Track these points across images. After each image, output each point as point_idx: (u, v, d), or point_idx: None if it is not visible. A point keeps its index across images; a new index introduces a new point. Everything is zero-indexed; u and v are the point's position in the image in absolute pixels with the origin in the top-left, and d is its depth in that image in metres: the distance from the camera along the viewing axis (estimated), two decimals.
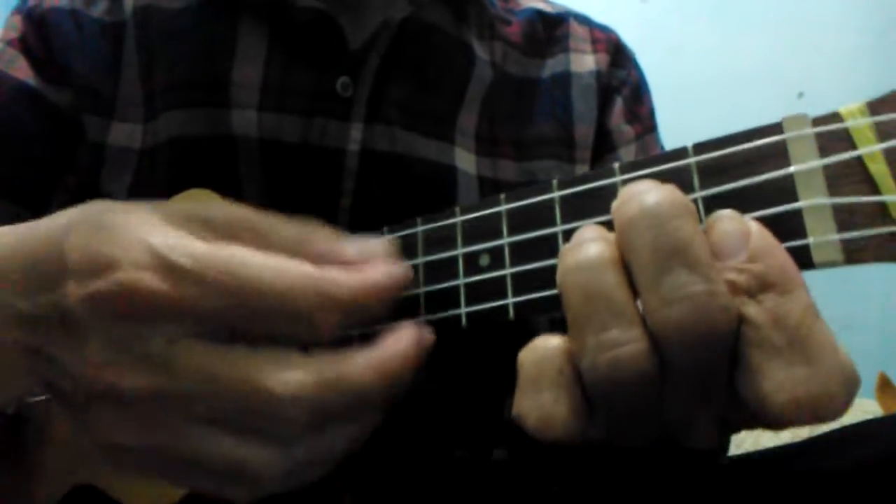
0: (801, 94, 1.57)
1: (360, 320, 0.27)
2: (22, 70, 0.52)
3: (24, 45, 0.53)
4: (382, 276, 0.28)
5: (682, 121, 1.21)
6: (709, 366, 0.23)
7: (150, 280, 0.24)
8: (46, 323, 0.26)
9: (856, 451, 0.33)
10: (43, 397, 0.47)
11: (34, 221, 0.30)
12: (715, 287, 0.22)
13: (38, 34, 0.53)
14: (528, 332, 0.55)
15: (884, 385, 1.18)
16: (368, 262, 0.28)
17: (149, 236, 0.25)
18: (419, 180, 0.51)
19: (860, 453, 0.33)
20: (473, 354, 0.51)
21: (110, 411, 0.25)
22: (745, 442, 0.95)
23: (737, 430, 0.26)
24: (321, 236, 0.29)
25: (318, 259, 0.28)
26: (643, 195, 0.23)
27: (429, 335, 0.28)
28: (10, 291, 0.28)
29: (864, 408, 1.11)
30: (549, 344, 0.26)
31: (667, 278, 0.22)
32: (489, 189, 0.54)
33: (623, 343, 0.23)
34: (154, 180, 0.50)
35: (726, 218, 0.23)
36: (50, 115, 0.52)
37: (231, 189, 0.46)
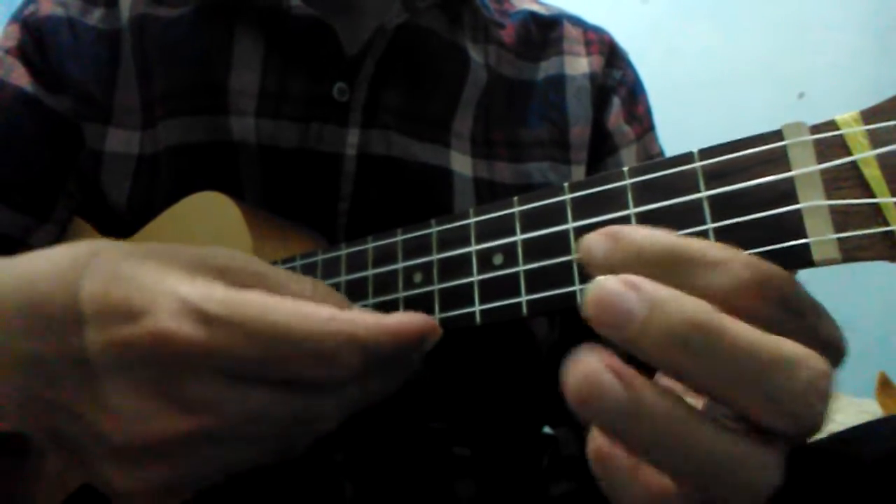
0: (801, 95, 1.58)
1: (380, 364, 0.28)
2: (21, 77, 0.53)
3: (22, 52, 0.54)
4: (402, 323, 0.28)
5: (682, 121, 1.22)
6: None
7: (183, 327, 0.24)
8: (56, 369, 0.26)
9: (855, 452, 0.33)
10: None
11: (31, 255, 0.29)
12: None
13: (35, 42, 0.54)
14: (526, 333, 0.56)
15: (884, 385, 1.18)
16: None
17: (176, 285, 0.25)
18: (415, 183, 0.52)
19: (861, 454, 0.33)
20: (477, 353, 0.52)
21: (139, 460, 0.25)
22: None
23: None
24: (333, 297, 0.30)
25: None
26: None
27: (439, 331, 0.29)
28: (10, 334, 0.27)
29: (864, 408, 1.11)
30: None
31: None
32: (485, 191, 0.54)
33: None
34: (156, 186, 0.51)
35: None
36: (49, 121, 0.53)
37: (233, 194, 0.46)
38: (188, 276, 0.26)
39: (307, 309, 0.26)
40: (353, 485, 0.47)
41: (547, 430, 0.61)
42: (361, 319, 0.27)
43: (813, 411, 0.20)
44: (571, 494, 0.53)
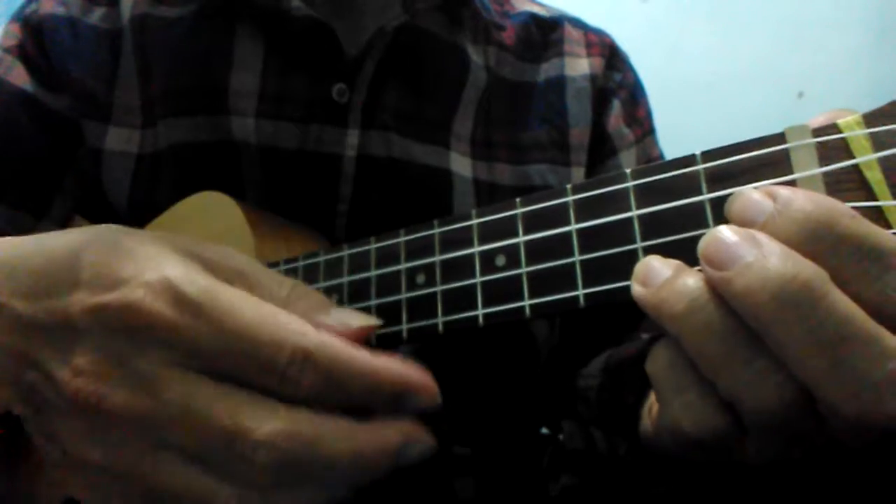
0: (801, 94, 1.58)
1: (341, 394, 0.26)
2: (20, 77, 0.53)
3: (23, 52, 0.54)
4: (374, 360, 0.26)
5: (683, 120, 1.22)
6: None
7: (156, 303, 0.25)
8: (44, 328, 0.27)
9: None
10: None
11: (53, 232, 0.30)
12: None
13: (35, 41, 0.54)
14: (527, 335, 0.56)
15: None
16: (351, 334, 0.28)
17: (163, 263, 0.26)
18: (415, 184, 0.52)
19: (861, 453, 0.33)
20: (478, 354, 0.52)
21: (87, 424, 0.26)
22: None
23: None
24: (309, 300, 0.29)
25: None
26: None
27: (413, 454, 0.28)
28: (15, 295, 0.28)
29: None
30: None
31: None
32: (485, 192, 0.54)
33: None
34: (157, 185, 0.51)
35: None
36: (48, 119, 0.53)
37: (235, 193, 0.46)
38: (179, 260, 0.27)
39: (282, 318, 0.26)
40: None
41: (544, 431, 0.61)
42: (330, 343, 0.26)
43: (881, 403, 0.21)
44: (574, 488, 0.53)
